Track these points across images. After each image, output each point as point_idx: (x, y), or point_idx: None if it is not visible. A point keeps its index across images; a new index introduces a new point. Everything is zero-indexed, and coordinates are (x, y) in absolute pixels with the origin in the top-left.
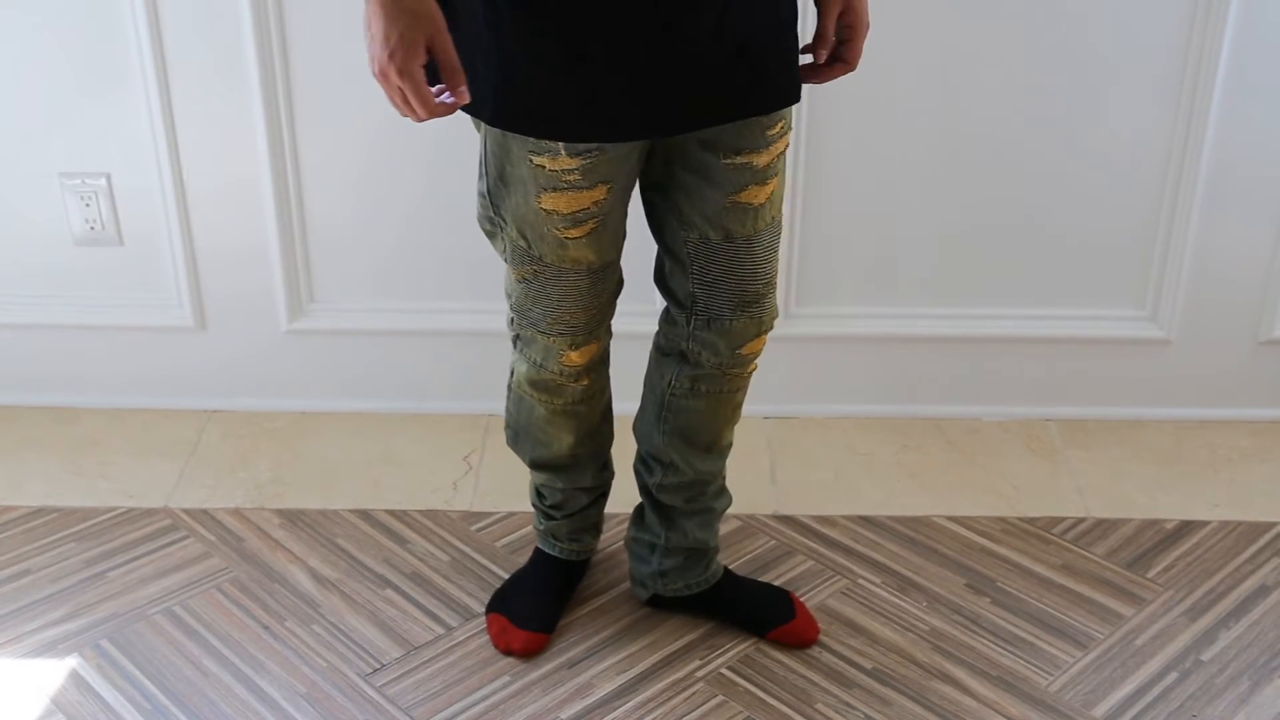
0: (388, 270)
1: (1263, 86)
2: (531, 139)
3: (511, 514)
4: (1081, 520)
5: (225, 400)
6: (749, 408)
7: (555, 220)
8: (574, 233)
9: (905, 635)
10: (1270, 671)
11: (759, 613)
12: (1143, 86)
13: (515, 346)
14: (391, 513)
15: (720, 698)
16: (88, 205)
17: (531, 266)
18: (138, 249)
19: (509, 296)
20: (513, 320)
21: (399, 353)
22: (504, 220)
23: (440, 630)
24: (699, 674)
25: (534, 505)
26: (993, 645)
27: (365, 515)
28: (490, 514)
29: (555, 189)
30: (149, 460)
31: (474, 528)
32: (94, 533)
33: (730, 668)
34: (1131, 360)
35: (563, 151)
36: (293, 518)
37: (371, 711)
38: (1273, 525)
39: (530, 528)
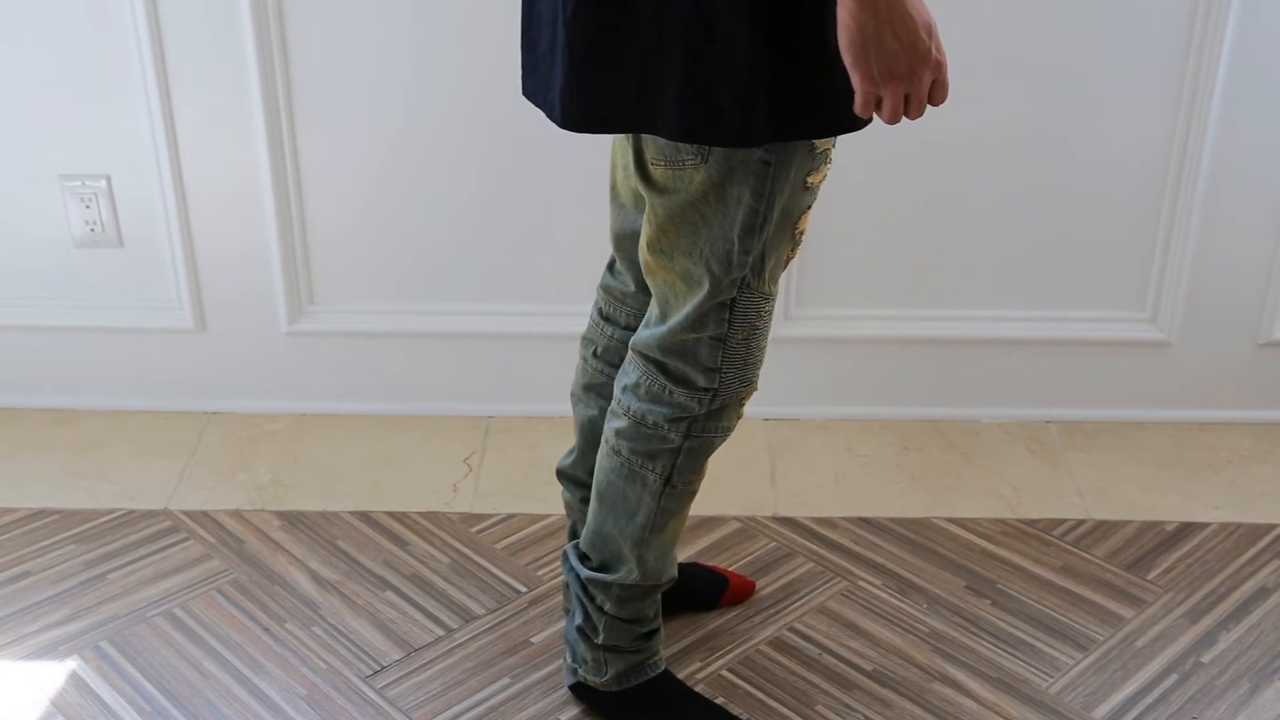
0: (388, 272)
1: (1263, 89)
2: (810, 157)
3: (511, 516)
4: (1082, 522)
5: (225, 402)
6: (749, 409)
7: (795, 243)
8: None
9: (905, 637)
10: (1270, 674)
11: (702, 589)
12: (1143, 88)
13: (692, 432)
14: (391, 514)
15: (720, 700)
16: (88, 207)
17: (767, 308)
18: (138, 251)
19: (715, 371)
20: (713, 395)
21: (399, 354)
22: (761, 272)
23: (440, 632)
24: (699, 676)
25: (633, 644)
26: (993, 647)
27: (365, 517)
28: (490, 516)
29: (809, 208)
30: (149, 462)
31: (474, 530)
32: (94, 534)
33: (730, 669)
34: (1132, 362)
35: (830, 158)
36: (293, 519)
37: (372, 713)
38: (1273, 527)
39: (528, 531)
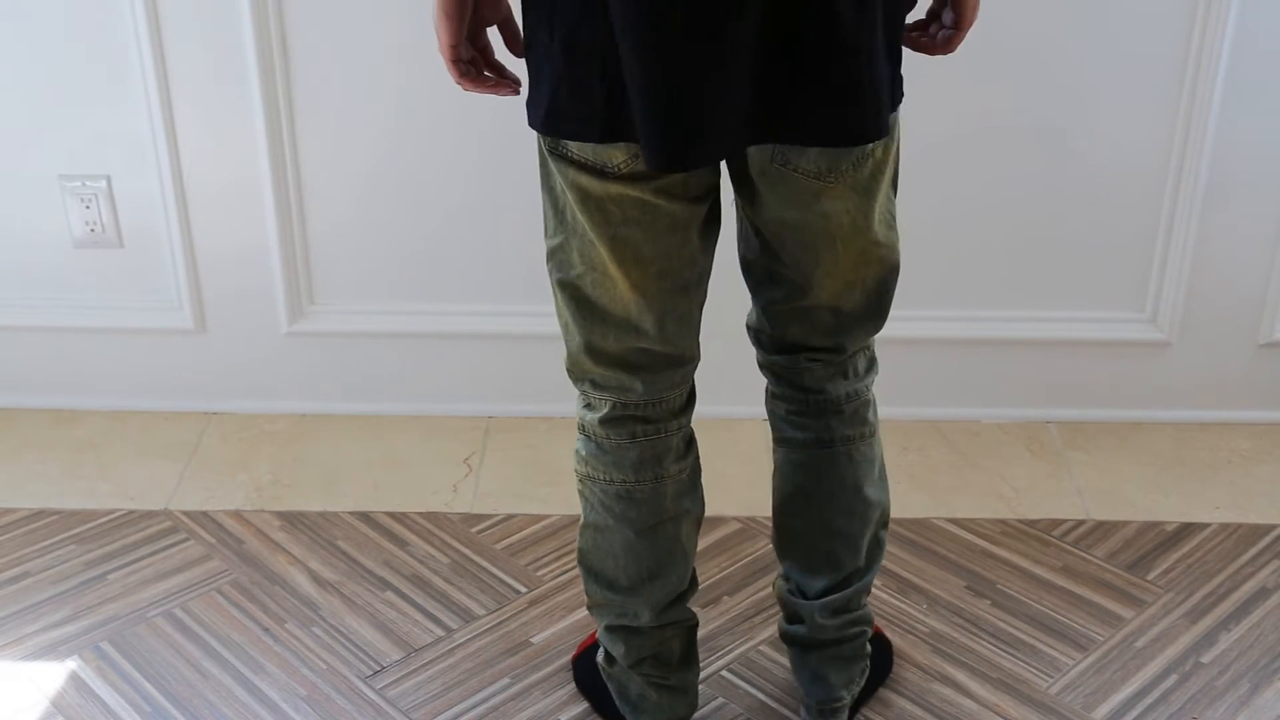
0: (388, 272)
1: (1263, 89)
2: None
3: (511, 516)
4: (1082, 522)
5: (225, 402)
6: (750, 409)
7: None
8: None
9: (905, 637)
10: (1270, 674)
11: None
12: (1143, 88)
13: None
14: (391, 515)
15: (720, 700)
16: (88, 207)
17: None
18: (138, 251)
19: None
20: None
21: (399, 355)
22: None
23: (440, 632)
24: (699, 676)
25: None
26: (993, 647)
27: (365, 517)
28: (490, 516)
29: None
30: (149, 462)
31: (474, 530)
32: (94, 535)
33: (730, 669)
34: (1132, 362)
35: None
36: (293, 520)
37: (372, 714)
38: (1273, 528)
39: (528, 531)
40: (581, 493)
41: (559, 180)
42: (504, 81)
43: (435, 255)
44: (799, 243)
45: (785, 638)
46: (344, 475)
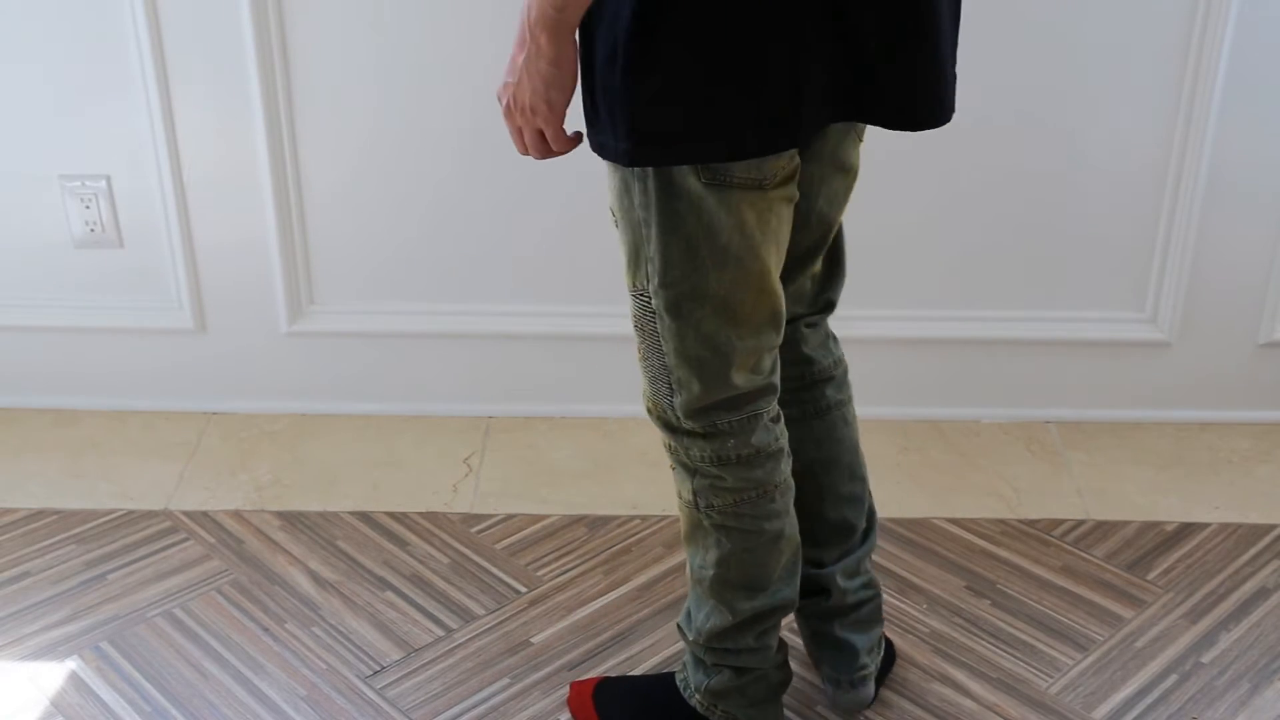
0: (388, 272)
1: (1263, 89)
2: None
3: (511, 516)
4: (1081, 522)
5: (225, 402)
6: None
7: None
8: None
9: (905, 637)
10: (1270, 674)
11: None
12: (1143, 88)
13: None
14: (391, 515)
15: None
16: (88, 207)
17: None
18: (138, 251)
19: None
20: None
21: (399, 355)
22: None
23: (440, 632)
24: None
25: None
26: (992, 647)
27: (365, 517)
28: (490, 516)
29: None
30: (149, 462)
31: (474, 530)
32: (94, 535)
33: None
34: (1131, 362)
35: None
36: (293, 520)
37: (371, 714)
38: (1273, 527)
39: (528, 531)
40: (720, 525)
41: (710, 214)
42: (577, 135)
43: (435, 255)
44: (840, 194)
45: (804, 613)
46: (344, 475)
